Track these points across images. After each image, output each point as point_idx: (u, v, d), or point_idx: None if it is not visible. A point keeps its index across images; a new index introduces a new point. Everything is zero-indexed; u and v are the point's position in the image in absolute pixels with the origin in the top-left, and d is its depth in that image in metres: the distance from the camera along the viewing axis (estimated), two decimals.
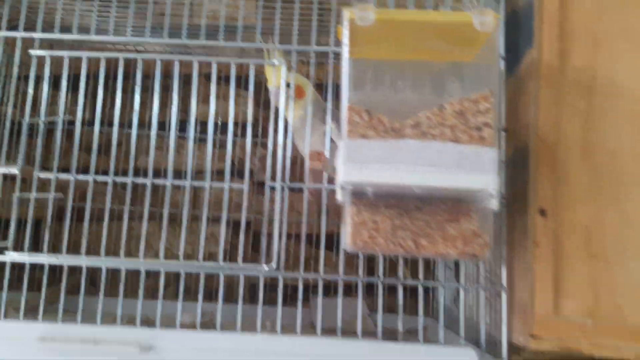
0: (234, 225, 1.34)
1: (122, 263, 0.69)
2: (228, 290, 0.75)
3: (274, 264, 0.67)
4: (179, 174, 1.28)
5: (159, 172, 1.15)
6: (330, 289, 1.17)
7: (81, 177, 0.73)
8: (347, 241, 0.56)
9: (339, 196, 0.56)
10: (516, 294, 0.64)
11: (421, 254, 0.54)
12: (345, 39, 0.56)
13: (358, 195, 0.57)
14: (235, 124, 1.36)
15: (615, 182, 0.61)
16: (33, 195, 0.72)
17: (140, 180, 0.74)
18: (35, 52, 0.76)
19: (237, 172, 1.34)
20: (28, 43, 0.78)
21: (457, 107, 0.56)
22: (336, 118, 0.92)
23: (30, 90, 0.76)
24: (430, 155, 0.55)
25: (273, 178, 0.72)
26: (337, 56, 0.72)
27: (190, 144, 0.79)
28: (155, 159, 0.77)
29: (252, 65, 0.72)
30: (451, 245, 0.54)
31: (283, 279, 0.67)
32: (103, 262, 0.69)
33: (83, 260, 0.69)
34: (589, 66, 0.64)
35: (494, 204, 0.54)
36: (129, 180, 0.73)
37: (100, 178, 0.74)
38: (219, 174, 1.32)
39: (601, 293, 0.59)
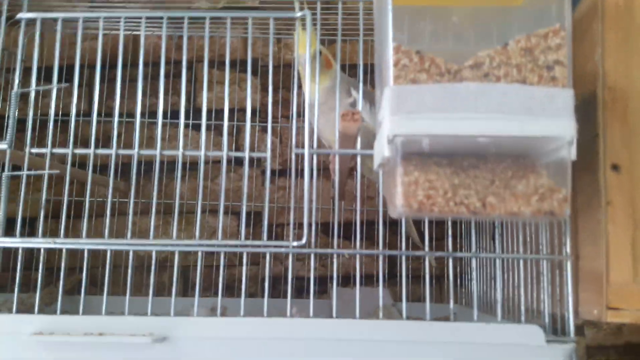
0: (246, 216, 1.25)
1: (129, 245, 0.60)
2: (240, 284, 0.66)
3: (304, 240, 0.58)
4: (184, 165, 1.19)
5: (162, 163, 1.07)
6: (349, 281, 1.09)
7: (79, 150, 0.64)
8: (398, 203, 0.47)
9: (386, 152, 0.48)
10: (584, 262, 0.56)
11: (489, 215, 0.46)
12: None
13: (406, 152, 0.49)
14: (241, 110, 1.29)
15: None
16: (25, 172, 0.63)
17: (124, 152, 0.64)
18: (24, 15, 0.67)
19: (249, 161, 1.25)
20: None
21: (523, 44, 0.48)
22: (363, 91, 0.85)
23: (19, 57, 0.67)
24: (495, 99, 0.46)
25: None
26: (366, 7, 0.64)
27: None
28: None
29: (272, 19, 0.63)
30: (524, 202, 0.46)
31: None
32: (107, 245, 0.60)
33: (84, 244, 0.60)
34: None
35: (571, 153, 0.46)
36: (112, 152, 0.64)
37: (100, 151, 0.65)
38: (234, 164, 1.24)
39: None
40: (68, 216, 0.63)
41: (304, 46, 0.70)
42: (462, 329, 0.51)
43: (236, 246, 0.57)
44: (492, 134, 0.46)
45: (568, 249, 0.56)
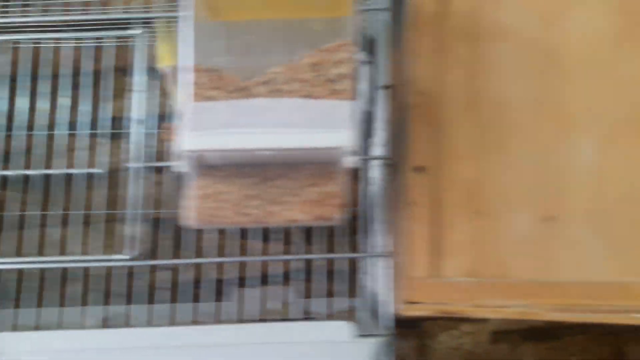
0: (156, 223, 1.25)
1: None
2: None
3: (128, 254, 0.59)
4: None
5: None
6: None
7: None
8: (188, 215, 0.50)
9: (181, 167, 0.50)
10: (396, 259, 0.59)
11: (270, 223, 0.49)
12: None
13: (207, 166, 0.51)
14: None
15: (500, 132, 0.56)
16: None
17: None
18: None
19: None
20: None
21: (311, 59, 0.50)
22: None
23: None
24: (281, 114, 0.48)
25: None
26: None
27: None
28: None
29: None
30: (304, 210, 0.49)
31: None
32: None
33: None
34: (473, 10, 0.58)
35: (350, 162, 0.48)
36: None
37: None
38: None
39: (485, 250, 0.53)
40: None
41: (163, 60, 0.72)
42: (274, 329, 0.53)
43: (67, 262, 0.59)
44: (276, 147, 0.48)
45: (379, 248, 0.59)
